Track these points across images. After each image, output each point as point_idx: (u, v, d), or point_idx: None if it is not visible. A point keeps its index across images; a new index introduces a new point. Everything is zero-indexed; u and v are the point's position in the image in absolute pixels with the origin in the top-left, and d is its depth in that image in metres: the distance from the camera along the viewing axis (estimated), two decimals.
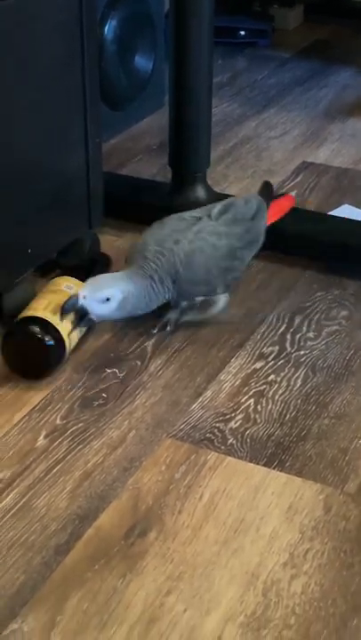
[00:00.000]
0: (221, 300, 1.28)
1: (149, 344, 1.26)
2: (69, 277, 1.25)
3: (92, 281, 1.18)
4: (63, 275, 1.27)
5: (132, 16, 1.88)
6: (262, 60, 2.49)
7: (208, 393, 1.17)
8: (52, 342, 1.15)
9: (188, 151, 1.54)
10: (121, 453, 1.06)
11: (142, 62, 1.97)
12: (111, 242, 1.51)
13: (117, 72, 1.87)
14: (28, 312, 1.18)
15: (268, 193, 1.37)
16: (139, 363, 1.22)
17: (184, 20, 1.43)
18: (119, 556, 0.92)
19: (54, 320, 1.16)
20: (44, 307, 1.18)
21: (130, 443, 1.08)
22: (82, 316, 1.17)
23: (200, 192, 1.55)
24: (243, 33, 2.58)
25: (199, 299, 1.28)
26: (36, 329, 1.16)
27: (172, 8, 1.44)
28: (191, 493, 1.00)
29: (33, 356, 1.16)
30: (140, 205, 1.57)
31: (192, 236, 1.23)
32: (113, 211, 1.49)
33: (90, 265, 1.38)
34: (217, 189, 1.63)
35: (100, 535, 0.95)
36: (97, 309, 1.16)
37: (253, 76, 2.37)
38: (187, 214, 1.28)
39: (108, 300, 1.16)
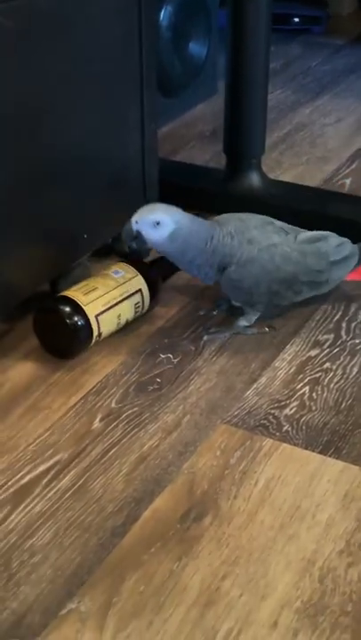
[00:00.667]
0: (250, 314, 1.25)
1: (203, 330, 1.26)
2: (125, 264, 1.26)
3: (146, 206, 1.18)
4: (124, 261, 1.27)
5: (187, 2, 1.87)
6: (316, 47, 2.47)
7: (263, 379, 1.16)
8: (73, 322, 1.16)
9: (243, 137, 1.53)
10: (176, 438, 1.06)
11: (196, 49, 1.96)
12: None
13: (172, 59, 1.87)
14: (63, 292, 1.20)
15: None
16: (193, 348, 1.22)
17: (242, 6, 1.43)
18: (175, 540, 0.93)
19: (82, 300, 1.18)
20: (79, 287, 1.20)
21: (184, 427, 1.08)
22: (137, 243, 1.18)
23: (254, 178, 1.55)
24: (296, 20, 2.57)
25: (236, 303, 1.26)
26: (58, 306, 1.17)
27: None
28: (246, 479, 1.00)
29: (57, 335, 1.18)
30: (195, 191, 1.57)
31: (265, 245, 1.19)
32: (167, 196, 1.48)
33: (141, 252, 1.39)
34: (271, 176, 1.62)
35: (156, 518, 0.95)
36: (149, 233, 1.16)
37: (307, 63, 2.35)
38: (278, 222, 1.24)
39: (158, 224, 1.15)
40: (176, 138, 1.89)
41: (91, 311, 1.18)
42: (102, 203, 1.31)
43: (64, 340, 1.18)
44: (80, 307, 1.17)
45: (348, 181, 1.70)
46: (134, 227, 1.16)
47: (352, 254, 1.26)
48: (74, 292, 1.19)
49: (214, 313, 1.29)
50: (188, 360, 1.20)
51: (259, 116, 1.53)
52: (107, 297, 1.20)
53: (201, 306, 1.32)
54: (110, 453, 1.04)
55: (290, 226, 1.25)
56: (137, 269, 1.25)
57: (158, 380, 1.17)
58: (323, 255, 1.23)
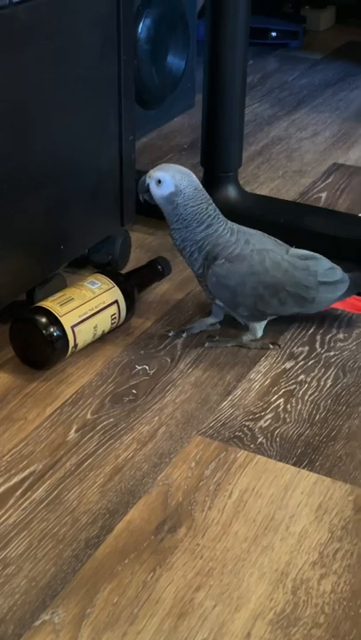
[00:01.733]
0: (256, 328, 1.25)
1: (179, 342, 1.27)
2: (101, 275, 1.26)
3: (165, 164, 1.23)
4: (100, 272, 1.28)
5: (166, 15, 1.89)
6: (293, 61, 2.49)
7: (238, 391, 1.17)
8: (50, 332, 1.17)
9: (220, 150, 1.54)
10: (151, 449, 1.07)
11: (175, 61, 1.97)
12: (142, 239, 1.52)
13: (150, 71, 1.88)
14: (39, 303, 1.21)
15: (360, 283, 1.28)
16: (169, 360, 1.23)
17: (220, 20, 1.44)
18: (149, 551, 0.93)
19: (58, 311, 1.18)
20: (55, 298, 1.20)
21: (160, 439, 1.08)
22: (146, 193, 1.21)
23: (231, 191, 1.56)
24: (274, 34, 2.59)
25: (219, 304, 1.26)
26: (34, 317, 1.18)
27: (209, 8, 1.44)
28: (221, 490, 1.01)
29: (33, 346, 1.19)
30: None
31: (258, 248, 1.20)
32: (145, 208, 1.49)
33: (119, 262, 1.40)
34: (248, 189, 1.63)
35: (131, 530, 0.95)
36: (153, 189, 1.20)
37: (284, 77, 2.37)
38: (272, 238, 1.25)
39: (159, 182, 1.19)
40: (154, 149, 1.90)
41: (67, 322, 1.18)
42: (80, 213, 1.31)
43: (40, 350, 1.18)
44: (56, 317, 1.17)
45: (323, 195, 1.72)
46: (147, 180, 1.20)
47: (342, 281, 1.26)
48: (50, 303, 1.19)
49: (170, 335, 1.28)
50: (163, 371, 1.21)
51: (236, 130, 1.54)
52: (83, 308, 1.20)
53: (176, 320, 1.32)
54: (85, 464, 1.04)
55: (282, 242, 1.26)
56: (113, 280, 1.25)
57: (134, 391, 1.17)
58: (312, 273, 1.23)
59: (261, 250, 1.21)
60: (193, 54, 2.03)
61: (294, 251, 1.25)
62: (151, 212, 1.55)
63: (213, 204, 1.21)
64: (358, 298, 1.29)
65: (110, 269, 1.30)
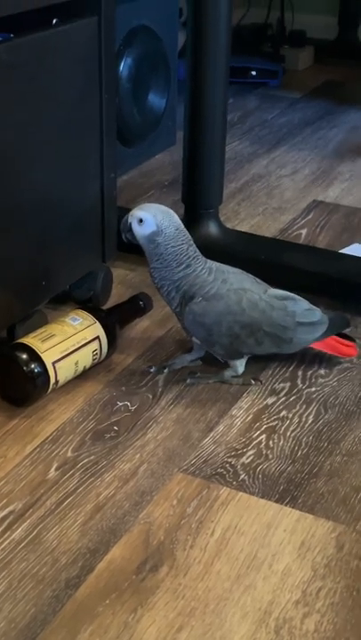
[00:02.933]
0: (237, 365, 1.25)
1: (161, 378, 1.26)
2: (82, 311, 1.26)
3: (148, 203, 1.23)
4: (81, 308, 1.28)
5: (147, 54, 1.91)
6: (273, 100, 2.52)
7: (220, 428, 1.17)
8: (30, 369, 1.16)
9: (200, 187, 1.55)
10: (132, 487, 1.06)
11: (156, 100, 1.99)
12: (123, 275, 1.53)
13: (131, 109, 1.89)
14: (20, 339, 1.20)
15: (340, 324, 1.30)
16: (150, 396, 1.22)
17: (200, 59, 1.46)
18: (130, 591, 0.92)
19: (39, 347, 1.17)
20: (36, 334, 1.20)
21: (141, 476, 1.08)
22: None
23: (212, 228, 1.57)
24: (254, 73, 2.62)
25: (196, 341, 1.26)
26: (14, 354, 1.17)
27: (189, 47, 1.46)
28: (203, 528, 1.00)
29: (14, 382, 1.18)
30: None
31: (236, 287, 1.20)
32: (126, 245, 1.49)
33: (100, 298, 1.40)
34: (229, 226, 1.64)
35: (112, 569, 0.94)
36: (135, 228, 1.20)
37: (264, 116, 2.40)
38: (251, 276, 1.25)
39: (141, 221, 1.19)
40: (135, 187, 1.91)
41: (48, 358, 1.17)
42: (61, 250, 1.32)
43: (20, 387, 1.17)
44: (37, 354, 1.17)
45: (303, 232, 1.73)
46: (129, 219, 1.20)
47: (320, 322, 1.26)
48: (31, 340, 1.19)
49: (152, 370, 1.27)
50: (145, 408, 1.20)
51: (216, 167, 1.55)
52: (64, 344, 1.20)
53: (157, 357, 1.32)
54: (65, 503, 1.03)
55: (261, 281, 1.26)
56: (94, 316, 1.25)
57: (115, 428, 1.16)
58: (289, 313, 1.23)
59: (239, 289, 1.21)
60: (174, 93, 2.05)
61: (273, 291, 1.25)
62: (132, 249, 1.56)
63: (194, 245, 1.22)
64: (337, 338, 1.29)
65: (92, 305, 1.30)
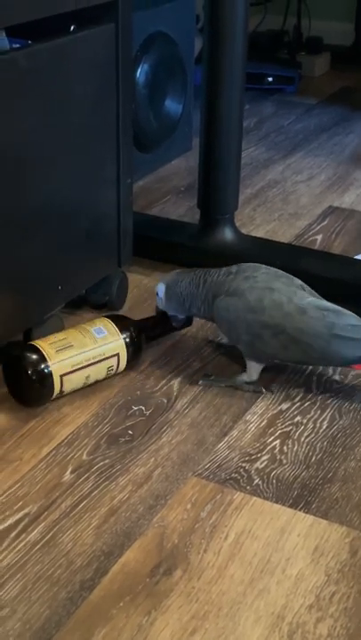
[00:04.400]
0: (252, 370, 1.24)
1: (176, 382, 1.27)
2: (110, 322, 1.25)
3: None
4: (111, 318, 1.27)
5: (164, 60, 1.92)
6: (289, 106, 2.53)
7: (234, 432, 1.17)
8: (35, 371, 1.17)
9: (216, 193, 1.56)
10: (147, 491, 1.06)
11: (172, 106, 2.00)
12: (139, 280, 1.53)
13: (148, 115, 1.90)
14: (37, 341, 1.21)
15: None
16: (165, 400, 1.23)
17: (217, 65, 1.46)
18: (144, 594, 0.92)
19: (51, 356, 1.18)
20: (55, 341, 1.20)
21: (155, 480, 1.08)
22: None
23: (228, 233, 1.57)
24: (270, 79, 2.63)
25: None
26: (23, 354, 1.19)
27: (206, 53, 1.47)
28: (217, 533, 1.00)
29: (21, 382, 1.19)
30: (169, 245, 1.59)
31: (261, 286, 1.20)
32: (142, 250, 1.51)
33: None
34: (244, 231, 1.65)
35: (126, 572, 0.95)
36: (158, 301, 1.31)
37: (280, 122, 2.40)
38: (306, 287, 1.23)
39: (157, 293, 1.30)
40: (151, 192, 1.92)
41: (57, 370, 1.18)
42: (77, 255, 1.32)
43: (24, 388, 1.19)
44: (47, 361, 1.17)
45: (319, 238, 1.73)
46: (158, 303, 1.32)
47: None
48: (47, 346, 1.19)
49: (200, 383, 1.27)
50: (159, 412, 1.21)
51: (232, 173, 1.56)
52: (79, 358, 1.20)
53: (172, 361, 1.32)
54: (80, 506, 1.04)
55: (309, 289, 1.23)
56: (121, 330, 1.24)
57: (130, 432, 1.17)
58: (326, 324, 1.17)
59: (265, 288, 1.19)
60: (190, 98, 2.06)
61: (318, 301, 1.20)
62: (148, 254, 1.57)
63: (206, 275, 1.26)
64: None
65: (122, 316, 1.30)
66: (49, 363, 1.17)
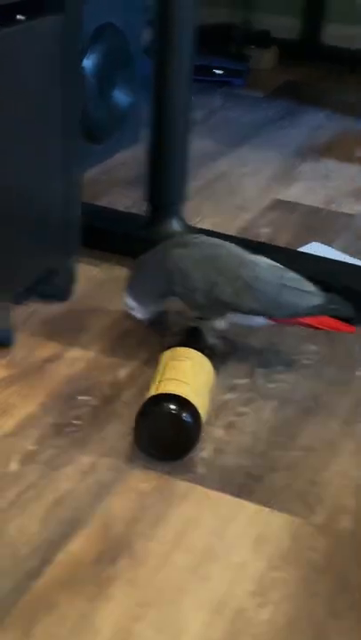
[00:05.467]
0: (208, 332, 1.27)
1: (123, 373, 1.28)
2: (189, 350, 1.20)
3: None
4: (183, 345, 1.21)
5: (113, 51, 1.92)
6: (237, 99, 2.54)
7: None
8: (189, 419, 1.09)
9: (164, 185, 1.57)
10: (92, 480, 1.07)
11: (121, 97, 2.00)
12: (87, 271, 1.54)
13: (96, 106, 1.90)
14: (163, 388, 1.12)
15: (341, 308, 1.25)
16: (112, 391, 1.24)
17: (164, 57, 1.47)
18: (89, 582, 0.93)
19: (192, 397, 1.11)
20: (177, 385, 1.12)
21: (101, 470, 1.09)
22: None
23: (175, 225, 1.58)
24: (219, 72, 2.64)
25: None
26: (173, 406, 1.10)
27: (154, 45, 1.48)
28: (161, 521, 1.02)
29: (173, 435, 1.10)
30: (117, 236, 1.60)
31: (212, 242, 1.28)
32: (89, 241, 1.51)
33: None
34: (191, 223, 1.66)
35: (71, 561, 0.96)
36: (139, 314, 1.32)
37: (228, 114, 2.42)
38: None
39: (129, 307, 1.31)
40: (99, 183, 1.92)
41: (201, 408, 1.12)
42: (24, 246, 1.32)
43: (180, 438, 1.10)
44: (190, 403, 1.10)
45: (264, 230, 1.75)
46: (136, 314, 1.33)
47: (313, 293, 1.25)
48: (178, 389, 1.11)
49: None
50: (106, 403, 1.21)
51: (180, 165, 1.57)
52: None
53: (121, 349, 1.33)
54: (26, 496, 1.04)
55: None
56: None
57: (76, 422, 1.17)
58: (276, 275, 1.25)
59: (215, 242, 1.28)
60: (139, 90, 2.06)
61: (264, 257, 1.29)
62: (96, 244, 1.57)
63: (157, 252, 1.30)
64: (334, 319, 1.26)
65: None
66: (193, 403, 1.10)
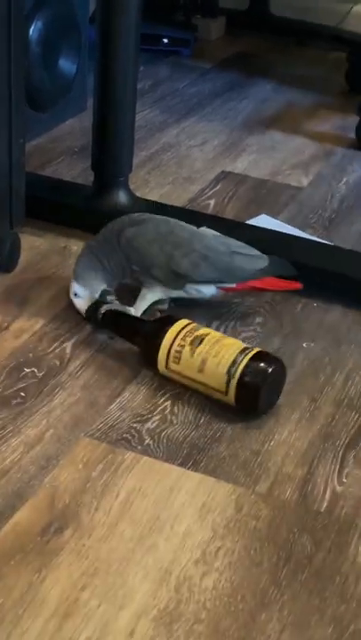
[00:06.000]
0: (144, 298, 1.30)
1: (69, 345, 1.27)
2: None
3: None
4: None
5: (57, 18, 1.89)
6: (184, 69, 2.52)
7: (126, 394, 1.19)
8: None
9: (110, 155, 1.56)
10: (38, 452, 1.07)
11: (66, 65, 1.97)
12: (32, 242, 1.52)
13: (41, 74, 1.87)
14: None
15: (283, 267, 1.33)
16: (58, 363, 1.24)
17: (110, 24, 1.45)
18: (35, 553, 0.93)
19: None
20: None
21: (47, 441, 1.09)
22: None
23: (122, 196, 1.57)
24: (166, 41, 2.62)
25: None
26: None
27: (99, 12, 1.46)
28: (108, 492, 1.02)
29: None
30: (62, 207, 1.58)
31: (161, 218, 1.31)
32: (34, 211, 1.49)
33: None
34: (138, 194, 1.65)
35: (17, 532, 0.96)
36: (82, 305, 1.30)
37: (175, 85, 2.40)
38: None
39: (76, 295, 1.30)
40: (44, 153, 1.90)
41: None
42: None
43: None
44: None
45: (212, 202, 1.75)
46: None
47: (259, 257, 1.31)
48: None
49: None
50: (52, 374, 1.21)
51: (126, 135, 1.56)
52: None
53: (67, 321, 1.33)
54: None
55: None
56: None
57: (22, 393, 1.17)
58: (223, 242, 1.31)
59: (166, 219, 1.31)
60: (85, 58, 2.04)
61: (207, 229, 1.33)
62: (41, 215, 1.56)
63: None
64: (280, 279, 1.33)
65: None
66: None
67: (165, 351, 1.17)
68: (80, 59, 2.01)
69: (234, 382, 1.13)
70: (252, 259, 1.31)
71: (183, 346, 1.16)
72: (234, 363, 1.13)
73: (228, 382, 1.13)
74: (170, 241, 1.27)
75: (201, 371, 1.15)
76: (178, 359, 1.16)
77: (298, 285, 1.34)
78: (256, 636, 0.87)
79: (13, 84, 1.31)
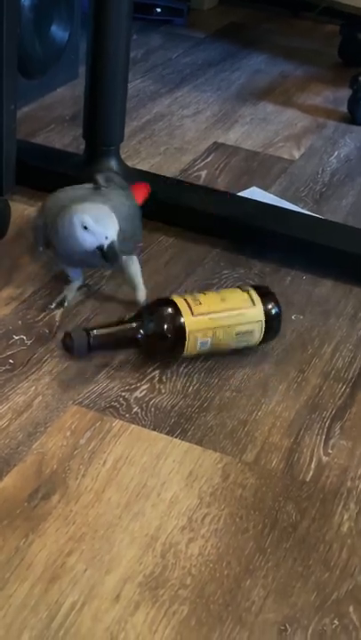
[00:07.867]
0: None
1: (58, 313, 1.28)
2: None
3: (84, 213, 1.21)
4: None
5: None
6: (177, 39, 2.51)
7: (115, 363, 1.19)
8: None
9: (102, 124, 1.55)
10: (26, 418, 1.08)
11: (58, 32, 1.96)
12: (22, 210, 1.51)
13: (33, 40, 1.86)
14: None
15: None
16: (47, 331, 1.24)
17: None
18: (22, 518, 0.94)
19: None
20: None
21: (36, 408, 1.09)
22: None
23: (113, 165, 1.57)
24: (159, 10, 2.59)
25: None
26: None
27: None
28: (95, 459, 1.03)
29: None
30: (53, 175, 1.57)
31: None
32: (25, 178, 1.49)
33: None
34: (129, 164, 1.64)
35: (4, 497, 0.96)
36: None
37: (168, 54, 2.38)
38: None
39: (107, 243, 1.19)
40: (35, 120, 1.89)
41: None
42: None
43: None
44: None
45: (203, 173, 1.75)
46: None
47: (120, 186, 1.33)
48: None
49: (52, 307, 1.28)
50: (41, 342, 1.21)
51: (118, 104, 1.55)
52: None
53: (55, 291, 1.33)
54: None
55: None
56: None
57: (11, 361, 1.17)
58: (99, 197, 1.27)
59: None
60: (77, 25, 2.02)
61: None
62: (31, 183, 1.55)
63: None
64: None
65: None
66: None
67: (184, 304, 1.18)
68: (72, 26, 1.99)
69: (254, 293, 1.21)
70: (121, 196, 1.30)
71: (195, 297, 1.20)
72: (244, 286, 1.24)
73: (250, 296, 1.20)
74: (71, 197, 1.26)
75: (223, 300, 1.20)
76: (199, 302, 1.18)
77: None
78: (241, 601, 0.88)
79: (5, 49, 1.30)
